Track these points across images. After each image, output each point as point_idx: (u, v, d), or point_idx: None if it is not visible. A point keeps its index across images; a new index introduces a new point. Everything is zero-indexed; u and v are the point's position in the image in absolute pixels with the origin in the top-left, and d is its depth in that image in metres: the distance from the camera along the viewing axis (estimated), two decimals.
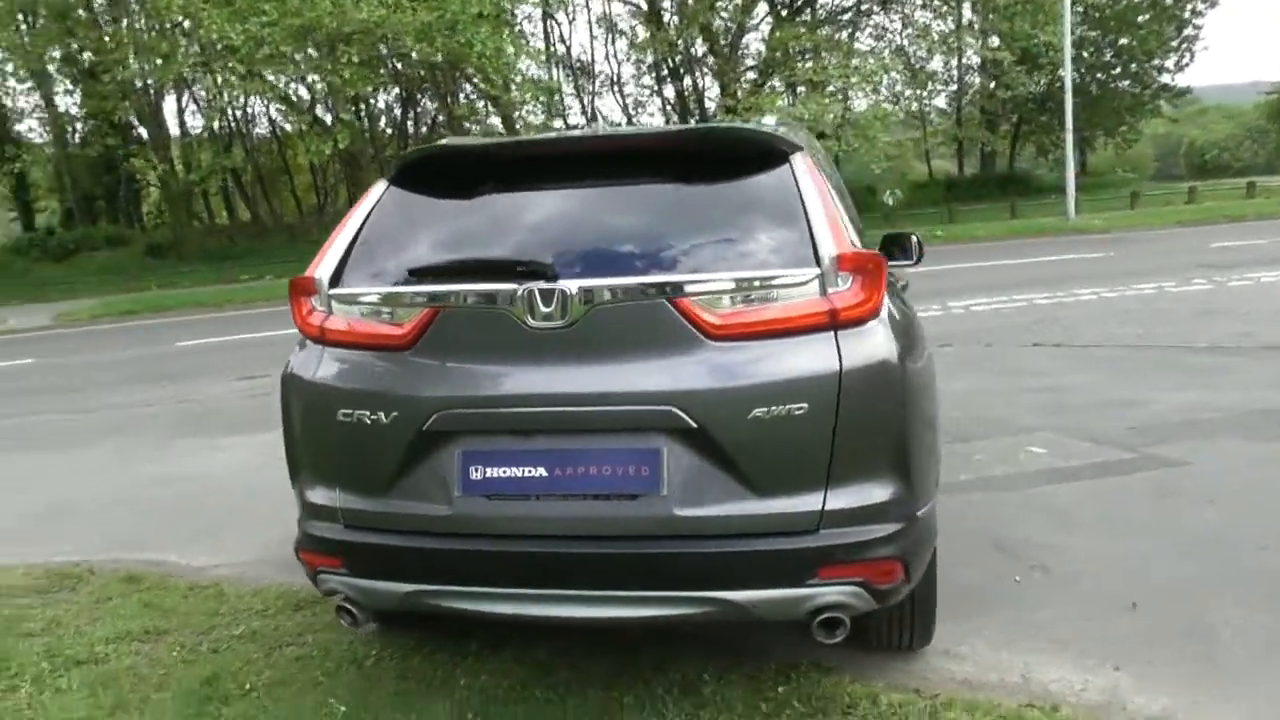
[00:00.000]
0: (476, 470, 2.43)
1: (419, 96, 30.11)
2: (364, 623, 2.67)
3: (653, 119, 33.22)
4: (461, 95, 27.97)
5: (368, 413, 2.46)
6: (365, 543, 2.51)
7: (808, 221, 2.42)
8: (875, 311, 2.40)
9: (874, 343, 2.37)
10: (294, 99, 27.25)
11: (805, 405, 2.31)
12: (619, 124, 29.12)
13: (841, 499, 2.34)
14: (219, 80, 25.52)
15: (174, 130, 30.54)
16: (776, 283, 2.37)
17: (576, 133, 3.27)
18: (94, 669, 3.20)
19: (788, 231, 2.42)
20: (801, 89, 26.95)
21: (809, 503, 2.33)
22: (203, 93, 29.80)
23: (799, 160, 2.57)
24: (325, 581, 2.62)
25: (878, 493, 2.37)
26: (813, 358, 2.33)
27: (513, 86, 23.14)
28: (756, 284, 2.37)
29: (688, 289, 2.34)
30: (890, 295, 2.57)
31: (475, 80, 23.34)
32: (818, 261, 2.35)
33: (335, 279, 2.61)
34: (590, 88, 33.08)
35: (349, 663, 3.11)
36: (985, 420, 5.60)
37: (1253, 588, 3.24)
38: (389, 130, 31.77)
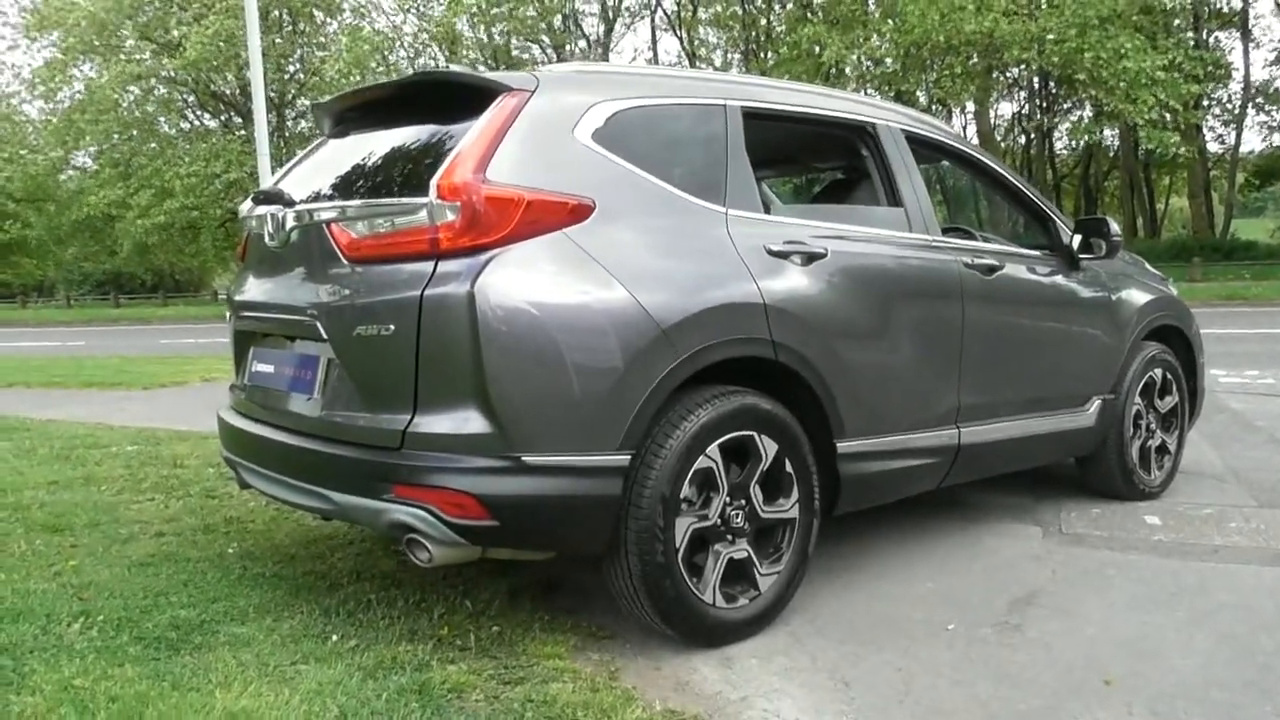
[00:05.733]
0: (254, 363, 3.03)
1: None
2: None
3: None
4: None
5: (226, 314, 3.24)
6: (220, 417, 3.26)
7: (452, 152, 2.48)
8: (481, 247, 2.37)
9: (466, 275, 2.35)
10: None
11: (392, 327, 2.43)
12: None
13: (427, 424, 2.40)
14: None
15: None
16: (393, 210, 2.51)
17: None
18: None
19: (437, 163, 2.51)
20: None
21: (396, 421, 2.44)
22: None
23: (506, 100, 2.59)
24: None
25: (464, 425, 2.37)
26: (404, 284, 2.43)
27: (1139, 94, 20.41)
28: (380, 210, 2.53)
29: (335, 215, 2.62)
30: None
31: (1088, 88, 21.24)
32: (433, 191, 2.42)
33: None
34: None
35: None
36: None
37: None
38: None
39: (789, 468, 2.82)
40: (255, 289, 3.02)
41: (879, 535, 3.64)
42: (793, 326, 2.80)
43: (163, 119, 31.37)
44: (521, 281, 2.39)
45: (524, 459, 2.37)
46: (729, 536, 2.71)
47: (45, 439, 5.64)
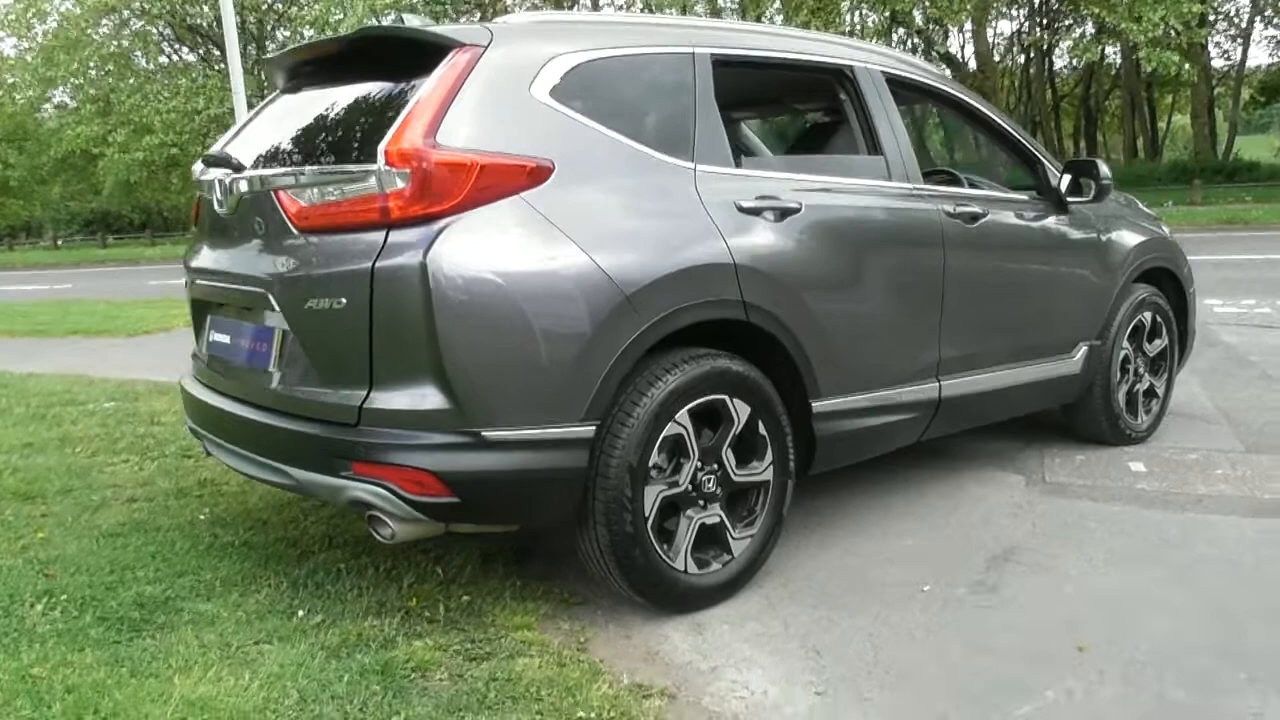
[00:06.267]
0: (212, 333, 2.95)
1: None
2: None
3: None
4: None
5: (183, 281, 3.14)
6: (183, 386, 3.17)
7: (401, 114, 2.36)
8: (433, 215, 2.27)
9: (418, 246, 2.25)
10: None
11: (344, 301, 2.34)
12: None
13: (384, 400, 2.33)
14: None
15: None
16: (341, 177, 2.39)
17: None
18: None
19: (387, 127, 2.39)
20: None
21: (352, 397, 2.36)
22: None
23: (458, 57, 2.45)
24: None
25: (421, 401, 2.30)
26: (355, 256, 2.33)
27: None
28: (329, 178, 2.42)
29: (282, 182, 2.50)
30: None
31: (1090, 4, 20.61)
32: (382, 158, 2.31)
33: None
34: None
35: None
36: None
37: None
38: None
39: (762, 430, 2.76)
40: (208, 256, 2.91)
41: (858, 488, 3.60)
42: (765, 287, 2.71)
43: (139, 53, 30.59)
44: (476, 251, 2.29)
45: (484, 434, 2.31)
46: (700, 502, 2.66)
47: (22, 397, 5.57)
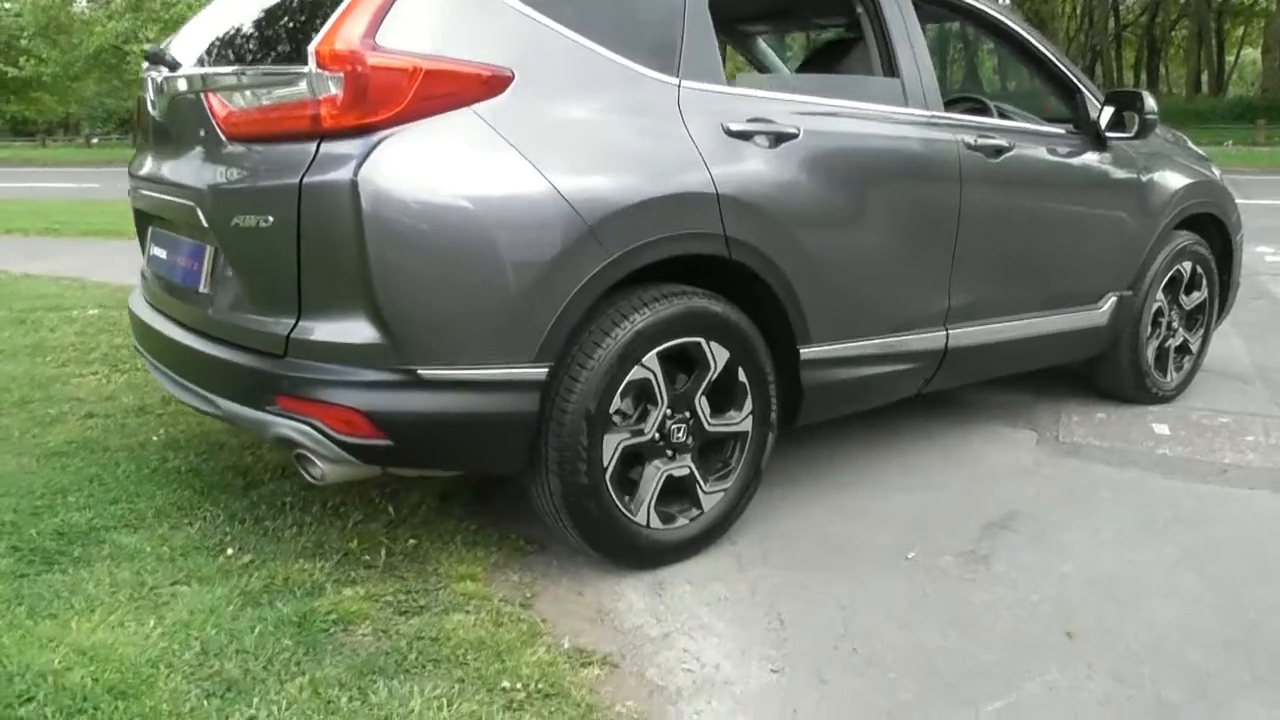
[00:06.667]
0: (152, 246, 2.73)
1: None
2: None
3: None
4: None
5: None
6: (129, 305, 2.96)
7: (339, 9, 2.08)
8: (369, 126, 2.01)
9: (351, 160, 2.00)
10: None
11: (271, 219, 2.11)
12: None
13: (312, 330, 2.12)
14: None
15: None
16: (271, 79, 2.13)
17: None
18: None
19: (323, 23, 2.11)
20: None
21: (281, 326, 2.15)
22: None
23: None
24: None
25: (351, 333, 2.08)
26: (283, 169, 2.08)
27: None
28: (258, 80, 2.16)
29: (211, 84, 2.25)
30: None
31: None
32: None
33: None
34: None
35: None
36: None
37: None
38: None
39: (742, 377, 2.52)
40: (147, 163, 2.67)
41: (854, 437, 3.36)
42: (752, 220, 2.43)
43: None
44: (416, 168, 2.03)
45: (420, 373, 2.08)
46: (669, 453, 2.44)
47: (9, 299, 5.43)
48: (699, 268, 2.44)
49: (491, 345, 2.13)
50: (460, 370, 2.11)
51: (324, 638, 2.03)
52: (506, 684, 1.91)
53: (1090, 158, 3.40)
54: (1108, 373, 3.75)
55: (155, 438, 3.21)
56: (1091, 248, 3.44)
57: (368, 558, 2.43)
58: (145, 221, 2.80)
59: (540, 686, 1.91)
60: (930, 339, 3.00)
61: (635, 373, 2.31)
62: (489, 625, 2.14)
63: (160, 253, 2.65)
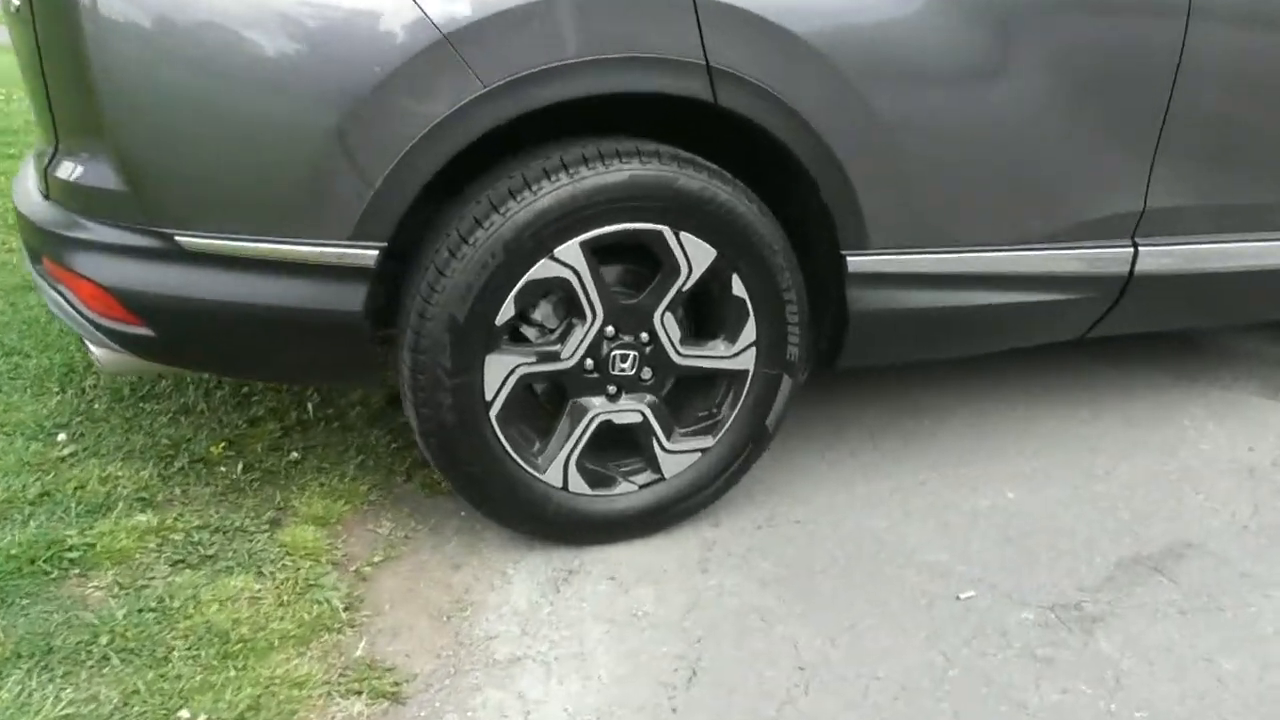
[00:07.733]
0: None
1: None
2: None
3: None
4: None
5: None
6: None
7: None
8: None
9: None
10: None
11: (15, 4, 1.51)
12: None
13: (61, 165, 1.54)
14: None
15: None
16: None
17: None
18: None
19: None
20: None
21: (44, 156, 1.60)
22: None
23: None
24: None
25: (96, 175, 1.47)
26: None
27: None
28: None
29: None
30: None
31: None
32: None
33: None
34: None
35: None
36: None
37: None
38: None
39: (739, 290, 1.66)
40: None
41: (946, 399, 2.35)
42: (756, 40, 1.50)
43: None
44: None
45: (178, 239, 1.43)
46: (610, 388, 1.66)
47: None
48: (691, 118, 1.58)
49: (284, 210, 1.43)
50: (232, 240, 1.43)
51: (36, 586, 1.50)
52: (185, 715, 1.28)
53: None
54: None
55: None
56: None
57: (223, 469, 1.88)
58: None
59: None
60: (1106, 256, 1.92)
61: (541, 269, 1.52)
62: (268, 604, 1.52)
63: None
